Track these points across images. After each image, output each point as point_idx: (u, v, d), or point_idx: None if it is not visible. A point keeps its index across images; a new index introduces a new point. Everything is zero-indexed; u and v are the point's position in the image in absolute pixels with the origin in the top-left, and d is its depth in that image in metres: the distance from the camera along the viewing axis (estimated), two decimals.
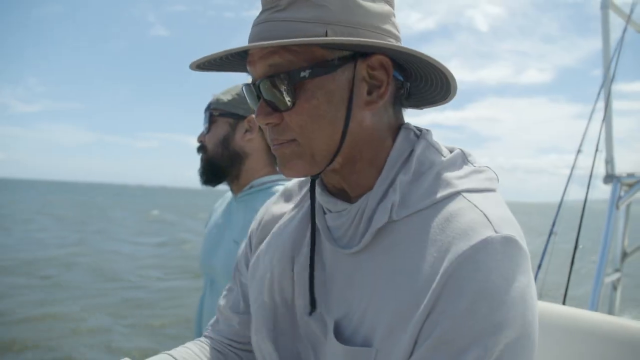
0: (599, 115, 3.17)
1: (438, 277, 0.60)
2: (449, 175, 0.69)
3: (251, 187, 1.55)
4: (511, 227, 0.63)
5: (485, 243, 0.60)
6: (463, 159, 0.73)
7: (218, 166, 1.55)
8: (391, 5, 0.72)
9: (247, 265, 0.93)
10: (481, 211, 0.64)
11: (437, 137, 0.79)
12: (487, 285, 0.58)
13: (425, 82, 0.75)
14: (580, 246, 2.56)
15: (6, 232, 17.21)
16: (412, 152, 0.72)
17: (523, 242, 0.63)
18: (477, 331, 0.58)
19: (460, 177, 0.69)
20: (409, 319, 0.62)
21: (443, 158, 0.71)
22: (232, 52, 0.64)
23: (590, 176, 2.88)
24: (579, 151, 3.07)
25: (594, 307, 2.77)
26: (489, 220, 0.62)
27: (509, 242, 0.61)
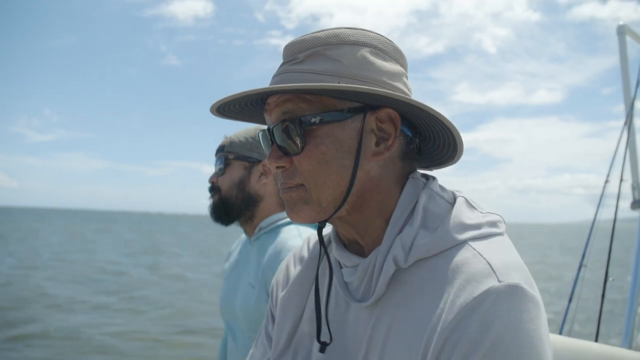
0: (622, 140, 3.09)
1: (441, 329, 0.60)
2: (454, 223, 0.69)
3: (260, 229, 1.57)
4: (516, 274, 0.62)
5: (488, 294, 0.59)
6: (467, 205, 0.73)
7: (232, 207, 1.58)
8: (403, 66, 0.76)
9: (272, 321, 0.92)
10: (486, 260, 0.63)
11: None
12: (490, 338, 0.57)
13: (434, 141, 0.77)
14: (610, 278, 2.46)
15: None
16: (417, 202, 0.72)
17: (530, 287, 0.62)
18: None
19: (466, 226, 0.69)
20: None
21: (448, 205, 0.72)
22: (249, 93, 0.67)
23: (616, 212, 2.80)
24: (606, 181, 3.00)
25: (627, 342, 2.63)
26: (492, 269, 0.62)
27: (513, 290, 0.60)
